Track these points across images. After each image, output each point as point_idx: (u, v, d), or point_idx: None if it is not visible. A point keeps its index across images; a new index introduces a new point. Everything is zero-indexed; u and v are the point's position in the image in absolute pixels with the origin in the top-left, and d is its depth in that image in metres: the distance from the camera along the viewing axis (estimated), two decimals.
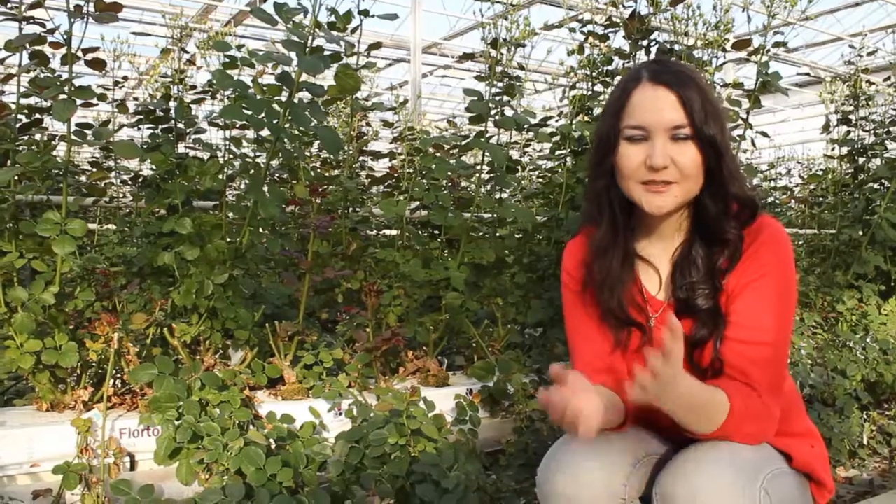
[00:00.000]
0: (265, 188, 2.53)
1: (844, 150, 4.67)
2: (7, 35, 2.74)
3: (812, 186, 5.55)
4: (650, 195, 1.32)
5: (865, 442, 3.16)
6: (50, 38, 2.35)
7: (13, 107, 2.46)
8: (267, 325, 2.75)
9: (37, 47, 2.37)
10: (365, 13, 2.72)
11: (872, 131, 4.59)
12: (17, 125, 2.48)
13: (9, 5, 2.36)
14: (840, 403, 3.28)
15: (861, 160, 4.65)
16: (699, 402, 1.22)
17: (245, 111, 2.43)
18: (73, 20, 2.30)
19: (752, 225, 1.36)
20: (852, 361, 3.53)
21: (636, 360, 1.38)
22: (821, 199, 5.23)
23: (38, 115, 2.57)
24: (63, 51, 2.34)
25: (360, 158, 4.03)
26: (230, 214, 2.76)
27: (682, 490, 1.21)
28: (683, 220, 1.41)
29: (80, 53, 2.39)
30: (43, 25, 2.35)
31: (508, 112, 3.19)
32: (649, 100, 1.31)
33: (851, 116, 4.58)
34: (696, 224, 1.39)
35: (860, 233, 4.47)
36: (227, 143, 2.98)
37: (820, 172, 5.60)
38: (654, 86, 1.32)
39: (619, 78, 3.54)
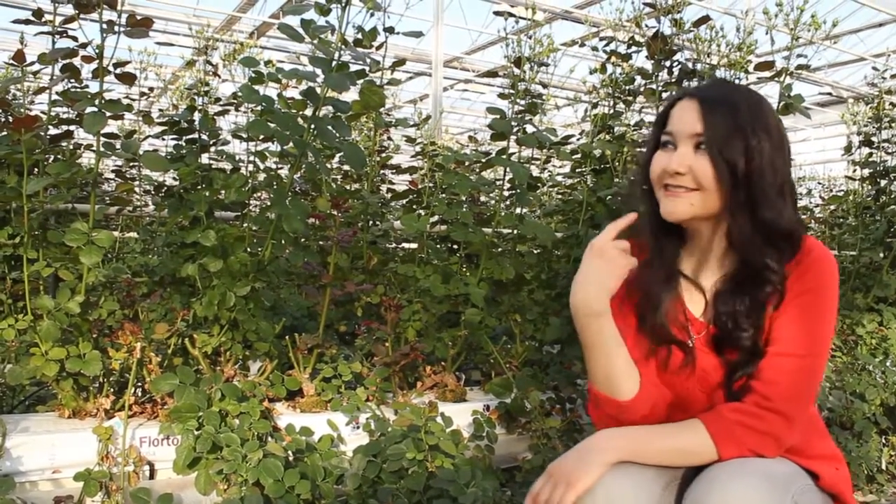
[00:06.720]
0: (288, 202, 2.55)
1: (866, 171, 4.64)
2: (37, 47, 2.80)
3: (833, 207, 5.51)
4: (666, 199, 1.37)
5: (884, 467, 3.14)
6: (81, 52, 2.38)
7: (44, 117, 2.49)
8: (286, 337, 2.77)
9: (68, 60, 2.40)
10: (390, 30, 2.75)
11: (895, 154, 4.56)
12: (48, 136, 2.52)
13: (43, 19, 2.39)
14: (858, 427, 3.25)
15: (883, 182, 4.62)
16: (674, 449, 1.30)
17: (271, 125, 2.46)
18: (104, 35, 2.33)
19: (795, 258, 1.34)
20: (871, 385, 3.50)
21: (678, 380, 1.40)
22: (841, 220, 5.19)
23: (67, 127, 2.60)
24: (94, 64, 2.37)
25: (381, 172, 4.05)
26: (252, 227, 2.78)
27: (716, 498, 1.21)
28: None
29: (110, 67, 2.42)
30: (75, 39, 2.39)
31: (530, 129, 3.20)
32: (681, 110, 1.37)
33: (874, 138, 4.55)
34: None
35: (881, 255, 4.44)
36: (250, 154, 3.00)
37: (841, 194, 5.57)
38: (690, 99, 1.37)
39: (640, 98, 3.56)
